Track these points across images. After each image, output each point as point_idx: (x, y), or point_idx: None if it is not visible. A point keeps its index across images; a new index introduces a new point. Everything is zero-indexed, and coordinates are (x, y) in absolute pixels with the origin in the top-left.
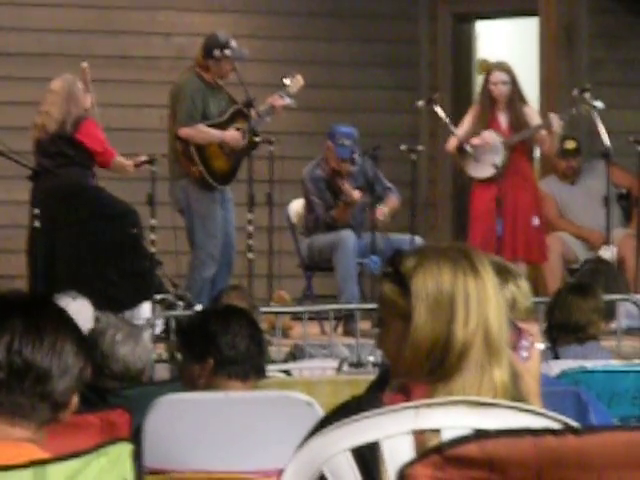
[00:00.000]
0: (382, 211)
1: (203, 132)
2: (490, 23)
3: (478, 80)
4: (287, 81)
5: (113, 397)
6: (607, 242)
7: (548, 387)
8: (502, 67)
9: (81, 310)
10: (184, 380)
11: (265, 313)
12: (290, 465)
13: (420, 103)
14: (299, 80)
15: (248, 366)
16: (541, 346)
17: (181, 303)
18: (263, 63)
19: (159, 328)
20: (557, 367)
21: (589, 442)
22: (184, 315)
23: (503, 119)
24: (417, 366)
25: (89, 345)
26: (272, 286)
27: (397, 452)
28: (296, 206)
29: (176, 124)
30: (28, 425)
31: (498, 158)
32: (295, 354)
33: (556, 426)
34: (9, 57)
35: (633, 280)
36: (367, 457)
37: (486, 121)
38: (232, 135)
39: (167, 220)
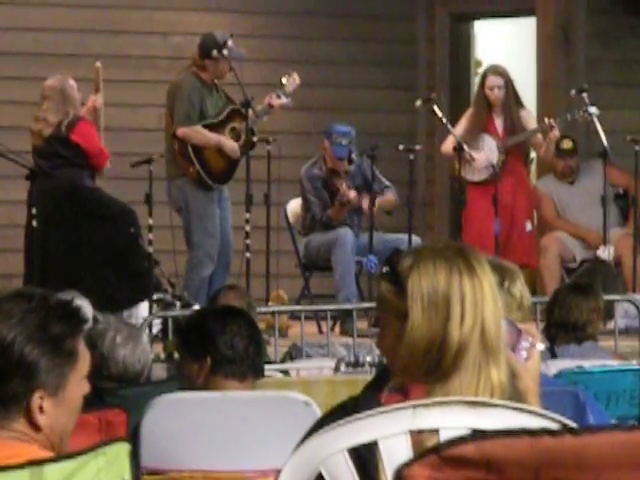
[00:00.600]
0: (366, 202)
1: (201, 134)
2: (487, 23)
3: (475, 80)
4: (284, 80)
5: (111, 397)
6: (605, 242)
7: (546, 387)
8: (497, 71)
9: None
10: (182, 380)
11: (263, 313)
12: (287, 465)
13: (418, 103)
14: (296, 79)
15: (246, 366)
16: (541, 347)
17: (179, 303)
18: (260, 63)
19: (157, 328)
20: (555, 367)
21: (587, 442)
22: (182, 315)
23: (499, 122)
24: (414, 366)
25: (88, 346)
26: (270, 285)
27: (394, 452)
28: (294, 205)
29: (174, 124)
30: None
31: (494, 161)
32: (293, 354)
33: (554, 426)
34: (6, 56)
35: (630, 280)
36: (365, 457)
37: (482, 124)
38: (230, 144)
39: (165, 219)
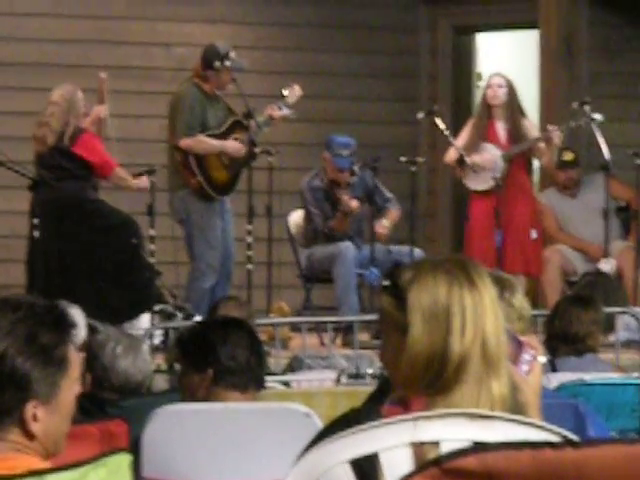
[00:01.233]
0: (382, 225)
1: (203, 142)
2: (490, 35)
3: (478, 92)
4: (285, 92)
5: (112, 408)
6: (606, 255)
7: (547, 399)
8: (499, 73)
9: (75, 318)
10: (183, 391)
11: (264, 324)
12: (289, 477)
13: (420, 115)
14: (297, 91)
15: (247, 377)
16: (543, 359)
17: (180, 314)
18: (262, 74)
19: (158, 339)
20: (556, 380)
21: (588, 455)
22: (183, 326)
23: (501, 130)
24: (415, 379)
25: (89, 357)
26: (271, 297)
27: (395, 464)
28: (295, 217)
29: (175, 135)
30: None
31: (497, 170)
32: (294, 365)
33: (555, 439)
34: (8, 67)
35: (632, 293)
36: (365, 469)
37: (484, 132)
38: (233, 145)
39: (166, 231)
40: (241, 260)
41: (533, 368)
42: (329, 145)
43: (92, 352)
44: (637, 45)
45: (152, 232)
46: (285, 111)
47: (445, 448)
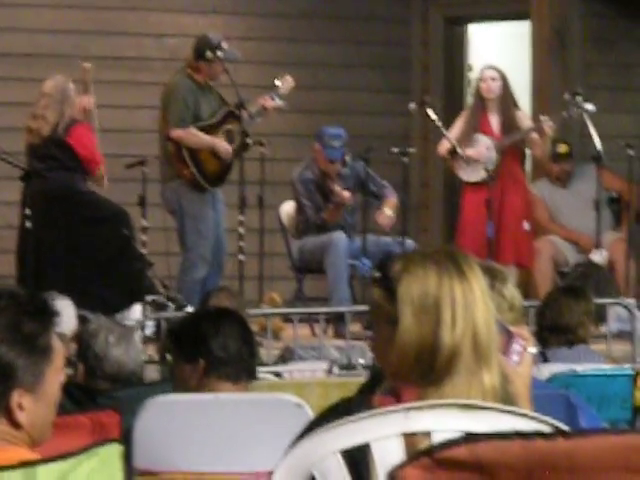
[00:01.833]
0: (385, 214)
1: (194, 136)
2: (482, 26)
3: (470, 83)
4: (278, 82)
5: (104, 398)
6: (598, 246)
7: (538, 390)
8: (492, 66)
9: (64, 309)
10: (175, 381)
11: (255, 315)
12: (280, 467)
13: (412, 106)
14: (290, 81)
15: (239, 368)
16: (533, 350)
17: (172, 304)
18: (255, 65)
19: (150, 329)
20: (547, 370)
21: (579, 445)
22: (175, 316)
23: (494, 121)
24: (406, 370)
25: (81, 347)
26: (263, 288)
27: (387, 454)
28: (287, 208)
29: (168, 126)
30: None
31: (489, 162)
32: (285, 356)
33: (546, 429)
34: (1, 57)
35: (623, 284)
36: (357, 459)
37: (477, 124)
38: (222, 145)
39: (158, 221)
40: (233, 251)
41: (523, 359)
42: (320, 136)
43: (84, 342)
44: (629, 36)
45: (144, 223)
46: (278, 102)
47: (436, 438)
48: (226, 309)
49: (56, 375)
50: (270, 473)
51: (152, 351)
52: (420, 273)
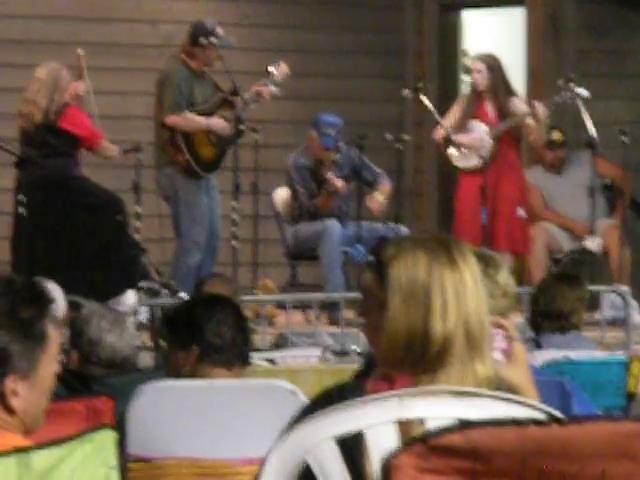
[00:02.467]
0: (376, 199)
1: (190, 120)
2: (476, 13)
3: (464, 69)
4: (272, 69)
5: (97, 384)
6: (592, 233)
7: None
8: (478, 57)
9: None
10: (169, 368)
11: (249, 302)
12: (273, 454)
13: (406, 92)
14: (284, 68)
15: (233, 354)
16: (518, 339)
17: (166, 291)
18: (249, 51)
19: (143, 315)
20: (541, 357)
21: (573, 432)
22: (169, 303)
23: (490, 109)
24: (395, 356)
25: (75, 333)
26: (257, 274)
27: (381, 441)
28: (281, 194)
29: (163, 112)
30: None
31: (484, 148)
32: (279, 343)
33: (540, 416)
34: None
35: (617, 271)
36: (351, 446)
37: (472, 111)
38: (219, 122)
39: (152, 208)
40: (227, 237)
41: (511, 353)
42: (316, 124)
43: (77, 328)
44: (623, 23)
45: (138, 209)
46: (272, 88)
47: (431, 425)
48: (220, 296)
49: (50, 363)
50: (264, 459)
51: (146, 337)
52: (410, 259)
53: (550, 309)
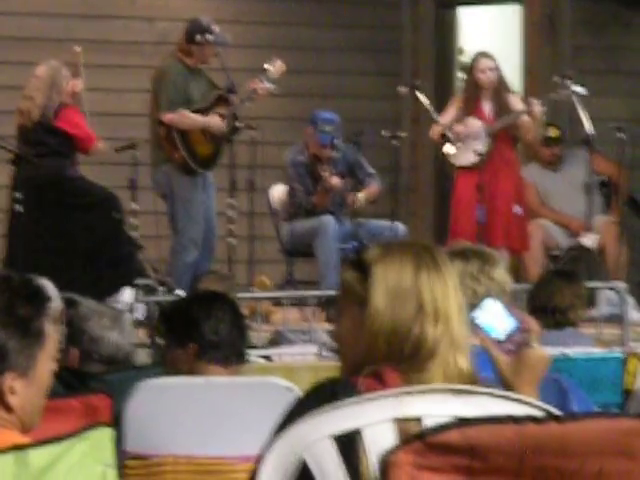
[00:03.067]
0: (357, 199)
1: (186, 118)
2: (473, 9)
3: (460, 66)
4: (268, 66)
5: (94, 381)
6: (588, 229)
7: None
8: (488, 54)
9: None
10: (166, 365)
11: (246, 299)
12: (271, 452)
13: (402, 89)
14: (280, 65)
15: (230, 351)
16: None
17: (162, 288)
18: (245, 48)
19: (140, 313)
20: None
21: (571, 429)
22: (165, 300)
23: (487, 107)
24: (378, 351)
25: (74, 331)
26: (253, 271)
27: (379, 439)
28: (277, 191)
29: (159, 110)
30: None
31: (481, 145)
32: (275, 340)
33: (538, 413)
34: None
35: (613, 267)
36: (349, 444)
37: (470, 109)
38: (215, 121)
39: (149, 205)
40: (223, 234)
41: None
42: (314, 120)
43: (76, 326)
44: (620, 20)
45: (134, 206)
46: (268, 85)
47: (428, 423)
48: (218, 293)
49: (48, 361)
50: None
51: (143, 335)
52: (397, 261)
53: (547, 305)
